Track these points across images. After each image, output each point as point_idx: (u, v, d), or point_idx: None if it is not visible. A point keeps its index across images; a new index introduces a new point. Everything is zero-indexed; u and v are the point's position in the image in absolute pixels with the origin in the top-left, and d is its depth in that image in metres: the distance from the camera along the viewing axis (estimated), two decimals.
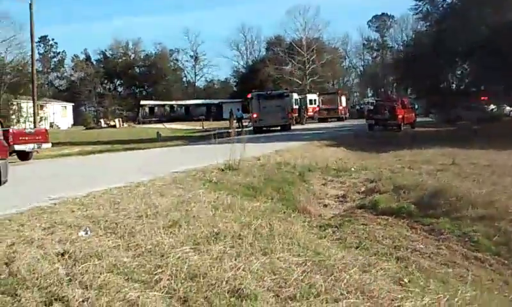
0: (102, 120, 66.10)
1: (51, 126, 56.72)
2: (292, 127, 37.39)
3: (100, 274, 4.62)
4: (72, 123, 70.36)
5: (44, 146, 21.29)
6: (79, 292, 4.22)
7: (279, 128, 35.96)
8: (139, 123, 68.66)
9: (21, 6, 66.31)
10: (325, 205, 11.73)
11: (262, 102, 36.57)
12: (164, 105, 79.27)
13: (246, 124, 42.56)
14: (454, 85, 38.46)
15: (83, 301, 4.08)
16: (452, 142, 20.09)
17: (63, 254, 5.15)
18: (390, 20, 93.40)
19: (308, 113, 53.00)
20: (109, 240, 5.66)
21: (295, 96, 49.38)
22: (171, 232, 6.02)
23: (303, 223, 8.57)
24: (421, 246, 7.99)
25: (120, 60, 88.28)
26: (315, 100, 55.64)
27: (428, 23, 37.31)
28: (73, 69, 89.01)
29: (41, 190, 9.44)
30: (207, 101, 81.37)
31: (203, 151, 19.77)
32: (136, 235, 5.85)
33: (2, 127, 13.10)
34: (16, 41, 51.90)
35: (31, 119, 41.78)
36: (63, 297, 4.15)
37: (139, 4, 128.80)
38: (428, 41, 34.65)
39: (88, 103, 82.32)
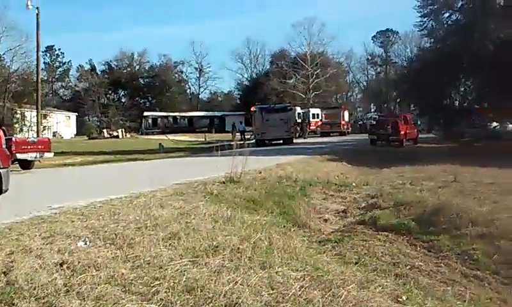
0: (105, 130, 66.27)
1: (54, 135, 56.93)
2: (294, 141, 37.43)
3: (98, 285, 4.62)
4: (75, 132, 70.62)
5: (46, 155, 21.32)
6: (76, 303, 4.22)
7: (281, 141, 36.02)
8: (142, 134, 68.83)
9: (28, 15, 66.62)
10: (325, 220, 11.71)
11: (265, 115, 36.70)
12: (167, 117, 79.47)
13: (249, 137, 42.63)
14: (457, 102, 38.45)
15: None
16: (454, 159, 20.06)
17: (61, 264, 5.15)
18: (395, 35, 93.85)
19: (311, 127, 53.13)
20: (107, 251, 5.66)
21: (298, 110, 49.51)
22: (170, 244, 6.02)
23: (303, 238, 8.57)
24: (420, 263, 7.97)
25: (125, 71, 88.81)
26: (318, 114, 55.78)
27: (432, 40, 37.36)
28: (78, 79, 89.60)
29: (42, 200, 9.45)
30: (210, 113, 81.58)
31: (205, 163, 19.79)
32: (134, 246, 5.84)
33: (5, 136, 13.14)
34: (22, 50, 52.35)
35: (34, 128, 41.89)
36: None
37: (145, 15, 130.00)
38: (432, 57, 34.69)
39: (92, 113, 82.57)
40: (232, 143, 16.38)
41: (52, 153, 22.00)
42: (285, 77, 76.63)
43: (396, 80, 60.14)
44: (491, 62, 27.80)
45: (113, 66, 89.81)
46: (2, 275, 4.81)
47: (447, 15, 34.88)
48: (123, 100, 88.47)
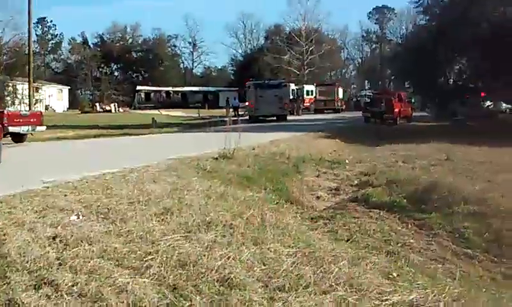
0: (97, 104, 65.78)
1: (46, 109, 56.40)
2: (288, 118, 37.37)
3: (91, 259, 4.64)
4: (68, 106, 70.04)
5: (39, 128, 21.17)
6: (69, 277, 4.23)
7: (275, 118, 35.94)
8: (134, 109, 68.37)
9: None
10: (318, 197, 11.75)
11: (259, 91, 36.51)
12: (160, 91, 78.88)
13: (242, 113, 42.51)
14: (451, 80, 38.40)
15: (72, 286, 4.09)
16: (447, 137, 20.09)
17: (54, 238, 5.15)
18: (390, 12, 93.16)
19: (305, 104, 52.99)
20: (100, 226, 5.67)
21: (292, 86, 49.32)
22: (163, 219, 6.03)
23: (295, 214, 8.62)
24: (411, 241, 8.04)
25: (117, 44, 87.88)
26: (312, 91, 55.56)
27: (428, 17, 37.12)
28: (70, 52, 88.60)
29: (35, 173, 9.42)
30: (204, 88, 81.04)
31: (198, 139, 19.75)
32: (127, 221, 5.85)
33: None
34: (13, 21, 51.60)
35: (26, 101, 41.51)
36: (53, 280, 4.16)
37: None
38: (427, 35, 34.50)
39: (84, 87, 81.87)
40: (225, 119, 16.32)
41: (45, 127, 21.87)
42: (279, 53, 76.00)
43: (391, 58, 59.88)
44: (486, 41, 27.70)
45: (106, 39, 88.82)
46: None
47: None
48: (115, 74, 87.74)
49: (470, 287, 5.56)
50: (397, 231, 8.58)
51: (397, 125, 32.01)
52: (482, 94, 35.09)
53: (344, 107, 55.42)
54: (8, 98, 47.84)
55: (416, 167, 13.83)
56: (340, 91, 55.76)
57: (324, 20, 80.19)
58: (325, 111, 50.75)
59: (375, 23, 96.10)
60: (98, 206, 6.48)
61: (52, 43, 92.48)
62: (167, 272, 4.46)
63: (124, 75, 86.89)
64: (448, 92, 34.49)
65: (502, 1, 29.29)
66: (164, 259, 4.72)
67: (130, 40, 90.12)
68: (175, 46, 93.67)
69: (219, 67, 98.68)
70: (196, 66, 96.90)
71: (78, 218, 5.92)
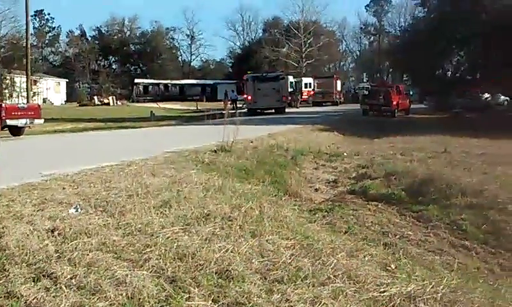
0: (95, 97, 65.65)
1: (44, 102, 56.35)
2: (287, 110, 37.36)
3: (89, 251, 4.64)
4: (66, 99, 69.95)
5: (36, 121, 21.17)
6: (68, 269, 4.23)
7: (273, 110, 35.93)
8: (133, 102, 68.30)
9: None
10: (316, 189, 11.78)
11: (257, 84, 36.52)
12: (158, 84, 78.74)
13: (241, 106, 42.48)
14: (449, 73, 38.43)
15: (71, 278, 4.10)
16: (445, 130, 20.17)
17: (52, 231, 5.16)
18: (388, 4, 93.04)
19: (303, 96, 53.01)
20: (99, 218, 5.67)
21: (290, 79, 49.28)
22: (161, 212, 6.04)
23: (294, 207, 8.63)
24: (409, 233, 8.08)
25: (115, 37, 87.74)
26: (310, 83, 55.59)
27: (426, 9, 37.19)
28: (67, 44, 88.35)
29: (33, 166, 9.42)
30: (202, 81, 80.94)
31: (196, 131, 19.77)
32: (126, 213, 5.85)
33: None
34: (11, 14, 51.45)
35: (24, 94, 41.47)
36: (52, 273, 4.17)
37: None
38: (425, 27, 34.55)
39: (82, 79, 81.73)
40: (223, 112, 16.32)
41: (43, 120, 21.86)
42: (277, 46, 75.92)
43: (389, 50, 59.91)
44: (484, 33, 27.71)
45: (103, 31, 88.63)
46: None
47: None
48: (113, 67, 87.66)
49: (467, 278, 5.59)
50: (395, 223, 8.62)
51: (395, 118, 32.04)
52: (480, 86, 35.11)
53: (342, 99, 55.43)
54: (6, 91, 47.77)
55: (414, 160, 13.85)
56: (339, 83, 55.78)
57: (322, 12, 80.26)
58: (323, 104, 50.80)
59: (373, 16, 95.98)
60: (97, 199, 6.48)
61: (50, 36, 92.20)
62: (166, 265, 4.46)
63: (122, 68, 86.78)
64: (446, 84, 34.52)
65: None
66: (163, 251, 4.73)
67: (128, 33, 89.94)
68: (173, 38, 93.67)
69: (217, 60, 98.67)
70: (194, 59, 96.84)
71: (76, 211, 5.93)
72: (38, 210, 5.87)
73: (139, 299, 3.90)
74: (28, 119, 20.56)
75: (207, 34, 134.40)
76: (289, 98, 43.18)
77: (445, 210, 9.10)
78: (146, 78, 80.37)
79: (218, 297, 4.00)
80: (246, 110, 36.72)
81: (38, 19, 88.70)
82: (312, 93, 54.28)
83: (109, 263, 4.43)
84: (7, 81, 50.68)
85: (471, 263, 7.10)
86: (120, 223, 5.53)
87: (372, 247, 6.08)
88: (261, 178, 10.49)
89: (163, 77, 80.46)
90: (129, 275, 4.17)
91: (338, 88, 55.10)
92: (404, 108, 35.17)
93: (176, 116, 41.00)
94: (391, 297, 4.19)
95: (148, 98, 71.54)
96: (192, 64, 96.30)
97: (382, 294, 4.24)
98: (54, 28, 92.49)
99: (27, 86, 38.44)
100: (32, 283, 4.03)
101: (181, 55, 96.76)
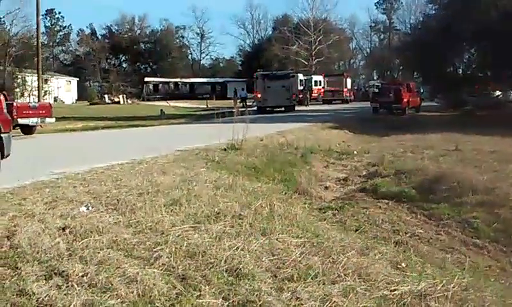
0: (106, 96, 66.00)
1: (55, 100, 56.72)
2: (296, 108, 37.29)
3: (100, 249, 4.67)
4: (76, 98, 70.37)
5: (48, 120, 21.28)
6: (79, 267, 4.26)
7: (283, 108, 35.88)
8: (143, 100, 68.58)
9: None
10: (326, 188, 11.75)
11: (267, 82, 36.47)
12: (168, 83, 78.99)
13: (250, 104, 42.47)
14: (460, 70, 38.13)
15: (83, 276, 4.12)
16: (456, 127, 20.03)
17: (64, 229, 5.19)
18: (398, 1, 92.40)
19: (313, 94, 52.87)
20: (110, 216, 5.70)
21: (300, 77, 49.17)
22: (172, 210, 6.06)
23: (304, 205, 8.62)
24: (420, 231, 8.03)
25: (126, 36, 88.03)
26: (320, 81, 55.46)
27: (437, 7, 36.83)
28: (78, 43, 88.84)
29: (44, 165, 9.48)
30: (212, 79, 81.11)
31: (206, 130, 19.75)
32: (136, 212, 5.88)
33: (6, 100, 13.03)
34: (22, 13, 51.75)
35: (35, 93, 41.71)
36: (63, 271, 4.20)
37: None
38: (436, 24, 34.24)
39: (93, 78, 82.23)
40: (233, 110, 16.33)
41: (54, 118, 21.97)
42: (287, 43, 75.73)
43: (399, 47, 59.44)
44: (495, 30, 27.45)
45: (114, 30, 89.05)
46: (6, 239, 4.86)
47: None
48: (124, 66, 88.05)
49: (478, 277, 5.56)
50: (406, 221, 8.58)
51: (406, 115, 31.89)
52: (491, 84, 34.80)
53: (352, 97, 55.21)
54: (17, 89, 48.09)
55: (424, 158, 13.78)
56: (349, 81, 55.55)
57: (332, 9, 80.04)
58: (333, 102, 50.60)
59: (383, 13, 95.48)
60: (108, 197, 6.52)
61: (61, 35, 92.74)
62: (176, 262, 4.48)
63: (132, 67, 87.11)
64: (457, 82, 34.23)
65: None
66: (173, 249, 4.75)
67: (138, 31, 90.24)
68: (183, 37, 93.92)
69: (227, 58, 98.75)
70: (204, 57, 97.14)
71: (87, 209, 5.96)
72: (49, 209, 5.91)
73: (150, 296, 3.92)
74: (39, 118, 20.68)
75: (216, 32, 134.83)
76: (299, 96, 43.11)
77: (456, 208, 9.04)
78: (156, 76, 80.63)
79: (228, 294, 4.01)
80: (255, 108, 36.70)
81: (48, 18, 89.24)
82: (322, 90, 54.11)
83: (120, 261, 4.45)
84: (18, 80, 51.03)
85: (482, 261, 7.05)
86: (130, 221, 5.55)
87: (382, 245, 6.07)
88: (271, 176, 10.50)
89: (173, 75, 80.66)
90: (140, 273, 4.19)
91: (348, 86, 54.86)
92: (414, 106, 34.98)
93: (186, 114, 41.08)
94: (401, 295, 4.18)
95: (158, 96, 71.75)
96: (202, 62, 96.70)
97: (392, 292, 4.23)
98: (64, 27, 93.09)
99: (38, 84, 38.64)
100: (44, 281, 4.06)
101: (191, 53, 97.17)
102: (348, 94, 53.60)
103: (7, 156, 8.48)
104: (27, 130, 20.57)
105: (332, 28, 79.76)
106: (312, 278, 4.38)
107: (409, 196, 10.05)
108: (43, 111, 21.19)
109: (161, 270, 4.35)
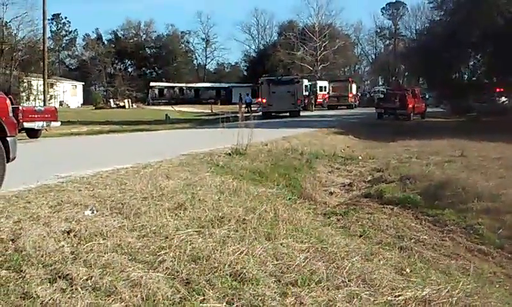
0: (111, 100, 66.24)
1: (61, 104, 56.92)
2: (301, 114, 37.30)
3: (105, 253, 4.67)
4: (82, 102, 70.63)
5: (53, 124, 21.39)
6: (83, 270, 4.26)
7: (288, 114, 35.90)
8: (148, 105, 68.79)
9: None
10: (331, 193, 11.74)
11: (272, 87, 36.53)
12: (173, 87, 79.16)
13: (255, 109, 42.51)
14: (466, 76, 38.08)
15: (87, 279, 4.13)
16: (461, 133, 19.99)
17: (68, 233, 5.19)
18: (404, 8, 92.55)
19: (318, 100, 52.90)
20: (114, 220, 5.70)
21: (305, 82, 49.22)
22: (176, 214, 6.06)
23: (308, 210, 8.60)
24: (425, 237, 8.01)
25: (131, 40, 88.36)
26: (325, 86, 55.44)
27: (442, 13, 36.82)
28: (84, 48, 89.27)
29: (49, 169, 9.50)
30: (217, 84, 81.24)
31: (211, 134, 19.76)
32: (141, 215, 5.88)
33: (12, 104, 13.09)
34: (28, 18, 52.03)
35: (41, 97, 41.93)
36: (67, 274, 4.20)
37: None
38: (441, 31, 34.25)
39: (98, 83, 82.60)
40: (238, 115, 16.35)
41: (59, 122, 22.08)
42: (292, 49, 75.93)
43: (405, 53, 59.50)
44: (501, 36, 27.42)
45: (120, 35, 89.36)
46: (10, 242, 4.86)
47: None
48: (129, 70, 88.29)
49: (483, 283, 5.54)
50: (411, 227, 8.56)
51: (411, 121, 31.86)
52: (497, 89, 34.75)
53: (357, 103, 55.22)
54: (23, 93, 48.30)
55: (430, 163, 13.75)
56: (354, 86, 55.56)
57: (337, 15, 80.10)
58: (338, 107, 50.65)
59: (388, 19, 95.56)
60: (112, 201, 6.52)
61: (67, 40, 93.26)
62: (180, 267, 4.48)
63: (138, 71, 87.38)
64: (462, 88, 34.19)
65: None
66: (177, 253, 4.74)
67: (144, 36, 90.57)
68: (188, 42, 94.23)
69: (232, 63, 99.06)
70: (209, 62, 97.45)
71: (92, 213, 5.97)
72: (54, 212, 5.92)
73: (154, 300, 3.91)
74: (45, 122, 20.78)
75: (221, 38, 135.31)
76: (304, 101, 43.12)
77: (462, 214, 9.02)
78: (162, 81, 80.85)
79: (232, 299, 4.00)
80: (260, 113, 36.74)
81: (55, 23, 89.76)
82: (327, 96, 54.11)
83: (124, 264, 4.45)
84: (24, 84, 51.30)
85: (487, 267, 7.02)
86: (135, 225, 5.55)
87: (387, 251, 6.04)
88: (275, 181, 10.48)
89: (178, 80, 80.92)
90: (144, 277, 4.19)
91: (354, 91, 54.89)
92: (419, 111, 34.96)
93: (191, 119, 41.19)
94: (406, 301, 4.16)
95: (163, 101, 71.99)
96: (207, 67, 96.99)
97: (397, 298, 4.21)
98: (70, 32, 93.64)
99: (44, 88, 38.84)
100: (48, 284, 4.06)
101: (196, 58, 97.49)
102: (353, 99, 53.63)
103: (12, 159, 8.50)
104: (33, 133, 20.66)
105: (337, 34, 79.93)
106: (316, 283, 4.37)
107: (414, 202, 10.03)
108: (49, 115, 21.29)
109: (165, 274, 4.34)
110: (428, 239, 7.92)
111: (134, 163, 10.01)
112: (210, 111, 51.91)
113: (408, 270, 5.17)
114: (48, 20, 66.51)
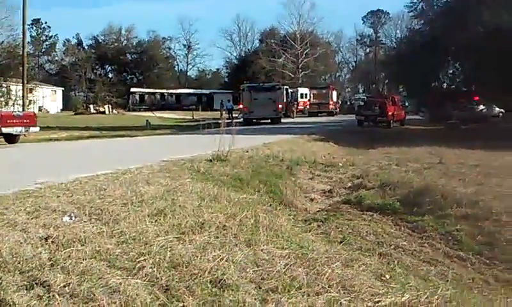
0: (91, 106, 65.71)
1: (40, 110, 56.24)
2: (282, 120, 37.42)
3: (83, 259, 4.61)
4: (61, 107, 69.95)
5: (32, 129, 21.11)
6: (61, 277, 4.20)
7: (269, 120, 35.99)
8: (129, 111, 68.36)
9: None
10: (311, 199, 11.77)
11: (254, 94, 36.64)
12: (154, 93, 78.84)
13: (236, 115, 42.54)
14: (445, 84, 38.62)
15: (64, 286, 4.07)
16: (440, 141, 20.21)
17: (46, 239, 5.12)
18: (385, 16, 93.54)
19: (299, 107, 53.13)
20: (93, 226, 5.64)
21: (286, 89, 49.41)
22: (156, 221, 6.01)
23: (289, 216, 8.60)
24: (404, 243, 8.07)
25: (112, 46, 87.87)
26: (306, 94, 55.74)
27: (422, 22, 37.38)
28: (64, 53, 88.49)
29: (27, 174, 9.38)
30: (198, 91, 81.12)
31: (192, 141, 19.75)
32: (120, 222, 5.83)
33: None
34: (7, 22, 51.40)
35: (20, 102, 41.38)
36: (45, 281, 4.14)
37: None
38: (421, 39, 34.73)
39: (78, 88, 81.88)
40: (219, 121, 16.32)
41: (38, 128, 21.80)
42: (274, 56, 76.30)
43: (385, 61, 60.17)
44: (479, 46, 27.88)
45: (100, 40, 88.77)
46: None
47: None
48: (110, 76, 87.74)
49: (462, 289, 5.59)
50: (390, 234, 8.61)
51: (391, 128, 32.14)
52: (476, 98, 35.28)
53: (338, 110, 55.59)
54: (2, 99, 47.61)
55: (409, 170, 13.89)
56: (334, 94, 55.92)
57: (318, 23, 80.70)
58: (319, 114, 50.92)
59: (369, 27, 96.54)
60: (91, 207, 6.45)
61: (47, 45, 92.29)
62: (160, 273, 4.44)
63: (118, 77, 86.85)
64: (441, 96, 34.67)
65: (497, 6, 29.46)
66: (157, 260, 4.71)
67: (125, 42, 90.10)
68: (169, 48, 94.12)
69: (214, 70, 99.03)
70: (190, 69, 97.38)
71: (71, 219, 5.90)
72: (32, 218, 5.83)
73: None
74: (23, 127, 20.50)
75: (203, 44, 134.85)
76: (285, 108, 43.27)
77: (440, 221, 9.10)
78: (143, 87, 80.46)
79: (212, 306, 3.99)
80: (242, 120, 36.77)
81: (34, 28, 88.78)
82: (308, 103, 54.38)
83: (103, 271, 4.40)
84: (3, 89, 50.53)
85: (466, 273, 7.09)
86: (114, 231, 5.50)
87: (367, 257, 6.07)
88: (256, 188, 10.49)
89: (159, 86, 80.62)
90: (123, 284, 4.15)
91: (334, 99, 55.24)
92: (399, 119, 35.29)
93: (172, 125, 41.02)
94: None
95: (144, 107, 71.63)
96: (188, 73, 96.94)
97: (377, 304, 4.23)
98: (50, 37, 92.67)
99: (23, 94, 38.36)
100: (25, 291, 4.00)
101: (177, 64, 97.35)
102: (334, 106, 53.97)
103: None
104: (11, 139, 20.36)
105: (318, 41, 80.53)
106: (296, 289, 4.37)
107: (394, 208, 10.11)
108: (28, 120, 21.01)
109: (144, 280, 4.31)
110: (407, 245, 7.98)
111: (113, 169, 9.92)
112: (191, 117, 51.76)
113: (387, 276, 5.20)
114: (28, 25, 65.98)
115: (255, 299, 4.15)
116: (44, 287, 4.07)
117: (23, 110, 34.23)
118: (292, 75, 73.90)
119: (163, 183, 8.57)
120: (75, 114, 59.04)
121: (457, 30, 29.74)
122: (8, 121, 19.80)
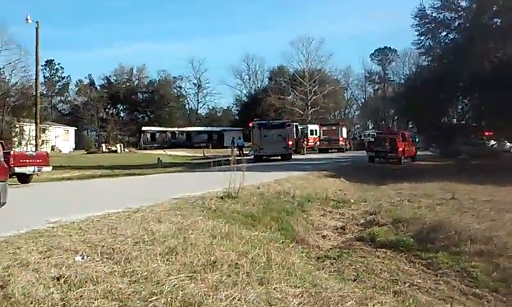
0: (103, 145, 66.26)
1: (53, 149, 56.87)
2: (293, 157, 37.45)
3: (95, 299, 4.60)
4: (74, 147, 70.58)
5: (45, 169, 21.30)
6: None
7: (279, 157, 36.04)
8: (140, 149, 68.81)
9: (28, 29, 66.71)
10: (323, 236, 11.69)
11: (263, 131, 36.77)
12: (165, 132, 79.57)
13: (247, 152, 42.64)
14: (454, 120, 38.54)
15: None
16: (451, 176, 20.08)
17: (58, 279, 5.12)
18: (393, 53, 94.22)
19: (309, 143, 53.17)
20: (105, 266, 5.64)
21: (296, 126, 49.59)
22: (168, 259, 6.00)
23: (301, 254, 8.55)
24: (419, 280, 7.94)
25: (124, 86, 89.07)
26: (316, 130, 55.84)
27: (430, 58, 37.47)
28: (76, 93, 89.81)
29: (40, 214, 9.42)
30: (209, 128, 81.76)
31: (203, 178, 19.78)
32: (132, 261, 5.82)
33: (3, 149, 13.11)
34: (21, 64, 52.53)
35: (33, 142, 41.90)
36: None
37: (145, 31, 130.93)
38: (429, 75, 34.80)
39: (90, 127, 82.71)
40: (230, 158, 16.38)
41: (51, 167, 21.99)
42: (283, 94, 76.83)
43: (394, 98, 60.25)
44: (488, 80, 27.90)
45: (112, 80, 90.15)
46: None
47: (444, 33, 35.00)
48: (121, 115, 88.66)
49: None
50: (404, 271, 8.49)
51: (402, 164, 32.01)
52: (486, 133, 35.15)
53: (348, 146, 55.57)
54: (15, 139, 48.24)
55: (421, 206, 13.76)
56: (344, 130, 56.00)
57: (326, 61, 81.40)
58: (329, 150, 50.90)
59: (378, 64, 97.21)
60: (103, 246, 6.45)
61: (60, 85, 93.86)
62: None
63: (130, 116, 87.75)
64: (451, 131, 34.54)
65: (504, 41, 29.60)
66: (169, 299, 4.68)
67: (136, 82, 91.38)
68: (180, 87, 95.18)
69: (224, 107, 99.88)
70: (201, 107, 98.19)
71: (82, 258, 5.90)
72: (44, 258, 5.84)
73: None
74: (36, 167, 20.70)
75: (213, 83, 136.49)
76: (295, 144, 43.34)
77: (455, 257, 8.97)
78: (154, 125, 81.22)
79: None
80: (252, 156, 36.85)
81: (48, 69, 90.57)
82: (318, 139, 54.47)
83: None
84: (16, 129, 51.25)
85: None
86: (125, 270, 5.49)
87: (381, 295, 5.99)
88: (268, 225, 10.44)
89: (170, 124, 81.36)
90: None
91: (344, 135, 55.29)
92: (410, 155, 35.18)
93: (183, 163, 41.13)
94: None
95: (155, 145, 72.14)
96: (199, 111, 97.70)
97: None
98: (63, 77, 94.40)
99: (36, 134, 38.89)
100: None
101: (188, 103, 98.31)
102: (344, 143, 53.98)
103: (3, 204, 8.45)
104: (24, 178, 20.54)
105: (327, 79, 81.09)
106: None
107: (407, 245, 9.99)
108: (40, 160, 21.23)
109: None
110: (422, 283, 7.86)
111: (125, 207, 9.95)
112: (202, 155, 51.95)
113: None
114: (42, 66, 67.40)
115: None
116: None
117: (36, 149, 34.61)
118: (302, 112, 74.22)
119: (174, 221, 8.57)
120: (87, 153, 59.52)
121: (465, 65, 29.81)
122: (21, 161, 20.02)
